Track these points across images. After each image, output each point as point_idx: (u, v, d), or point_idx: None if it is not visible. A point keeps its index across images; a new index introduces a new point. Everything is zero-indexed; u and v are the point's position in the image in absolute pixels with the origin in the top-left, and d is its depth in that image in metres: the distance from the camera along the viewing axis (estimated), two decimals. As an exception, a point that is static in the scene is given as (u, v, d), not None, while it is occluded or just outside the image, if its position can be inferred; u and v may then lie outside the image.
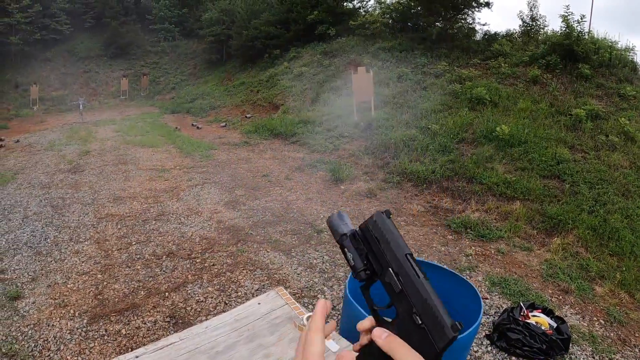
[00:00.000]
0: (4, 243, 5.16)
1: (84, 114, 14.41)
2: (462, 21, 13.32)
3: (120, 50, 25.21)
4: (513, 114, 8.23)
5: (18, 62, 20.76)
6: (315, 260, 4.67)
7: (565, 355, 3.33)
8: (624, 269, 4.37)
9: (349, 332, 2.38)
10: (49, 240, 5.27)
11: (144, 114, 14.91)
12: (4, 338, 3.58)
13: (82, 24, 25.27)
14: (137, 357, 1.72)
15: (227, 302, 4.00)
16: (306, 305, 3.95)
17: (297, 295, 4.08)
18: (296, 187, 6.81)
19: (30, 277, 4.47)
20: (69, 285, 4.34)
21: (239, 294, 4.11)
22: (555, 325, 3.43)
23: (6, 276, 4.48)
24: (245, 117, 12.29)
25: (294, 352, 1.65)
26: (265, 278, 4.34)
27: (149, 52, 26.11)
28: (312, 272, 4.45)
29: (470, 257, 4.72)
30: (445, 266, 2.52)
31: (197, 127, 11.66)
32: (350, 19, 15.30)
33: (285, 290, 2.21)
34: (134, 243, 5.17)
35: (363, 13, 17.09)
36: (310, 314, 2.00)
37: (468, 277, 4.37)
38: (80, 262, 4.77)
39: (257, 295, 4.04)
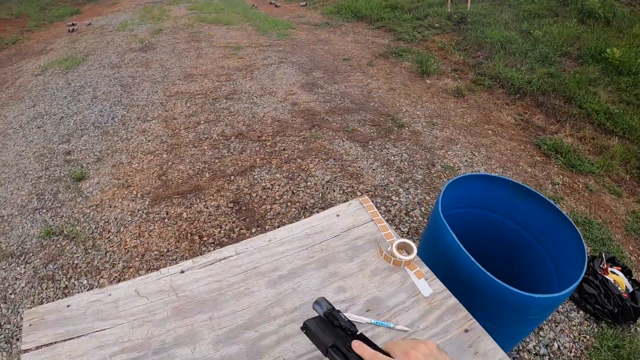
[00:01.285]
0: (72, 124, 5.05)
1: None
2: None
3: None
4: (626, 39, 6.81)
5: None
6: (393, 157, 4.13)
7: (632, 326, 2.84)
8: None
9: (429, 255, 1.91)
10: (116, 119, 5.10)
11: (220, -8, 14.19)
12: (67, 220, 3.55)
13: None
14: (182, 271, 1.37)
15: (294, 191, 3.63)
16: (378, 206, 3.49)
17: (370, 193, 3.62)
18: (378, 75, 6.11)
19: (95, 157, 4.38)
20: (133, 165, 4.20)
21: (309, 184, 3.71)
22: (631, 289, 2.92)
23: (72, 157, 4.41)
24: (327, -4, 11.31)
25: (376, 289, 1.38)
26: (338, 170, 3.89)
27: None
28: (389, 170, 3.93)
29: (557, 187, 4.03)
30: (551, 201, 1.90)
31: (275, 5, 10.86)
32: None
33: (370, 202, 1.69)
34: (202, 122, 4.85)
35: None
36: (403, 240, 1.39)
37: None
38: (147, 141, 4.58)
39: (326, 188, 3.64)
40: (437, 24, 7.89)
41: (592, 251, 3.34)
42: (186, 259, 3.06)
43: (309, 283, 1.34)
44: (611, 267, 3.05)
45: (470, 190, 2.17)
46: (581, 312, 2.89)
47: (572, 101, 5.42)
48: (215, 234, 3.31)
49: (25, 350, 1.12)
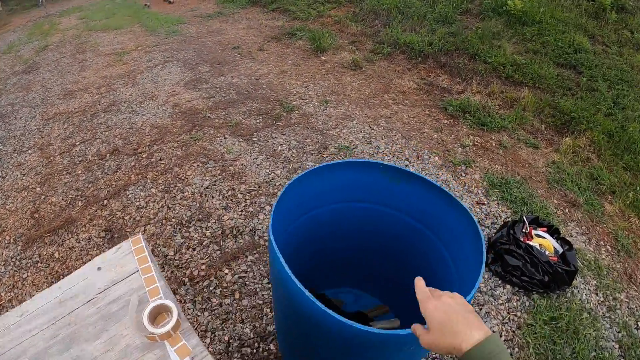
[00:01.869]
0: None
1: (46, 5, 12.94)
2: None
3: None
4: (527, -12, 6.79)
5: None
6: (280, 147, 3.83)
7: (567, 290, 2.63)
8: (637, 188, 3.53)
9: (274, 292, 1.58)
10: None
11: (114, -4, 13.37)
12: None
13: None
14: None
15: (170, 205, 3.29)
16: (262, 206, 3.19)
17: (253, 192, 3.32)
18: (269, 60, 5.77)
19: None
20: (7, 206, 3.75)
21: (185, 194, 3.37)
22: (560, 250, 2.70)
23: None
24: (222, -15, 10.78)
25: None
26: (219, 172, 3.57)
27: None
28: (275, 162, 3.64)
29: (468, 149, 3.85)
30: (435, 181, 1.58)
31: (169, 2, 10.25)
32: None
33: (142, 243, 1.36)
34: (78, 143, 4.42)
35: None
36: (160, 302, 1.01)
37: (463, 174, 3.55)
38: (22, 176, 4.13)
39: (205, 195, 3.32)
40: (329, -3, 7.60)
41: (513, 214, 3.15)
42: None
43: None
44: (535, 229, 2.85)
45: (339, 181, 1.84)
46: (508, 286, 2.66)
47: (476, 57, 5.27)
48: (86, 271, 2.95)
49: None
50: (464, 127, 4.20)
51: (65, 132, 4.71)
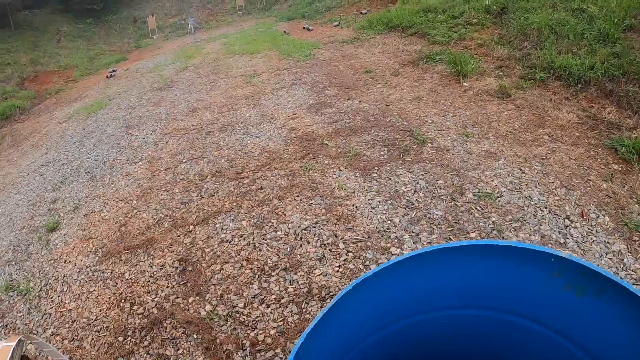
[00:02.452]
0: (68, 171, 4.73)
1: (196, 33, 13.75)
2: None
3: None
4: (700, -1, 5.33)
5: (133, -1, 20.83)
6: (404, 188, 3.02)
7: None
8: None
9: None
10: (107, 163, 4.58)
11: (258, 25, 13.67)
12: (25, 275, 3.14)
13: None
14: None
15: (257, 244, 2.67)
16: (367, 264, 2.40)
17: (360, 244, 2.55)
18: (403, 84, 5.04)
19: (74, 205, 3.93)
20: (102, 214, 3.62)
21: (278, 233, 2.73)
22: None
23: (55, 206, 4.02)
24: (361, 13, 10.41)
25: None
26: (323, 211, 2.87)
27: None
28: (395, 207, 2.83)
29: None
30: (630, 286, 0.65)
31: (308, 30, 10.17)
32: None
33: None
34: (185, 160, 4.11)
35: None
36: None
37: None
38: (125, 186, 3.98)
39: (300, 239, 2.67)
40: (474, 20, 6.75)
41: None
42: (109, 332, 2.41)
43: None
44: None
45: (469, 275, 1.07)
46: None
47: (649, 84, 4.06)
48: (147, 302, 2.54)
49: None
50: (642, 174, 3.03)
51: (178, 147, 4.46)
